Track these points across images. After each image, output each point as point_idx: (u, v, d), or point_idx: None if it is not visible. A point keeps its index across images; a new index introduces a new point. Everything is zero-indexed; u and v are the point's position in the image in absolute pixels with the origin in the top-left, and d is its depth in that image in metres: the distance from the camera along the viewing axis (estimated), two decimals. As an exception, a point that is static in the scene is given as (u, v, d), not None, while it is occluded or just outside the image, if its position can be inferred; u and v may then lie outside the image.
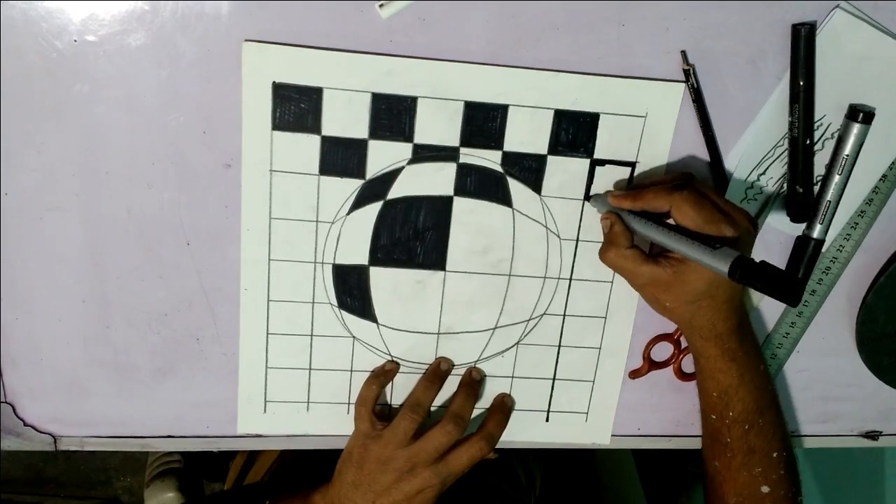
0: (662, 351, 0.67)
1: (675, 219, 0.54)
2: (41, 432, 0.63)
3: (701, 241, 0.52)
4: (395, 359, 0.63)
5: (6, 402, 0.61)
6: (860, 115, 0.57)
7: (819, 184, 0.61)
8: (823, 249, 0.63)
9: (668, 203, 0.54)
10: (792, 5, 0.55)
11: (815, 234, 0.61)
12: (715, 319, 0.57)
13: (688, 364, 0.67)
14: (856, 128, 0.58)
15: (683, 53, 0.55)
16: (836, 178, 0.59)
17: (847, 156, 0.58)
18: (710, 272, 0.53)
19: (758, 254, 0.58)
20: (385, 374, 0.63)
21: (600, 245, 0.60)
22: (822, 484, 1.10)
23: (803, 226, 0.62)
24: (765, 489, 0.61)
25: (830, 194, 0.60)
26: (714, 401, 0.61)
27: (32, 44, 0.50)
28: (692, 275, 0.55)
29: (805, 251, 0.62)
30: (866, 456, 1.05)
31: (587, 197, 0.59)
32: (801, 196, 0.60)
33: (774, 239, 0.63)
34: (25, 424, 0.62)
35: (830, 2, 0.55)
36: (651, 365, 0.67)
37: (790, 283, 0.50)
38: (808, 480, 1.11)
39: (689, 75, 0.56)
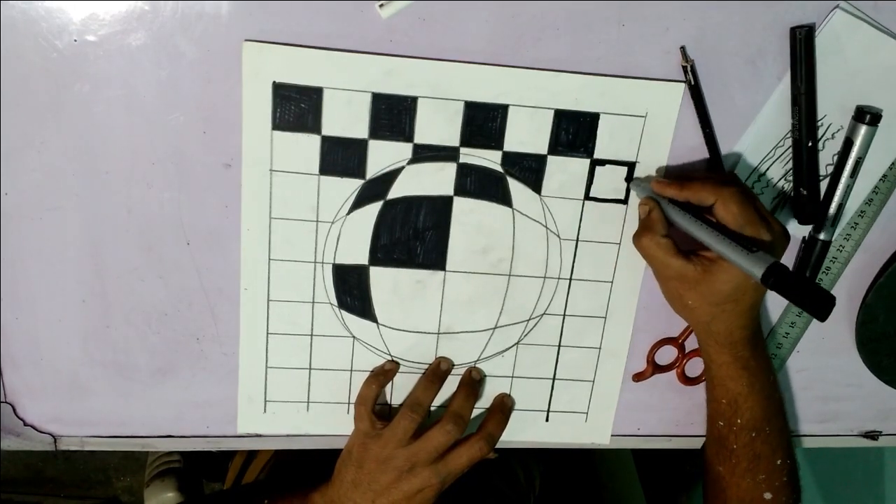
0: (666, 354, 0.67)
1: (719, 213, 0.53)
2: (41, 432, 0.63)
3: (739, 241, 0.52)
4: (395, 358, 0.63)
5: (6, 402, 0.61)
6: (867, 116, 0.57)
7: (823, 183, 0.61)
8: (823, 249, 0.63)
9: (714, 196, 0.53)
10: (792, 6, 0.55)
11: (823, 235, 0.62)
12: (733, 326, 0.57)
13: (691, 369, 0.67)
14: (863, 129, 0.58)
15: (682, 49, 0.55)
16: (848, 181, 0.59)
17: (859, 159, 0.58)
18: (739, 275, 0.53)
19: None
20: (385, 373, 0.63)
21: (606, 245, 0.60)
22: (822, 484, 1.10)
23: (809, 227, 0.62)
24: (767, 496, 0.62)
25: (841, 197, 0.60)
26: (723, 408, 0.61)
27: (32, 44, 0.50)
28: (722, 275, 0.54)
29: (813, 252, 0.62)
30: (866, 456, 1.05)
31: (588, 196, 0.59)
32: (807, 198, 0.60)
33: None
34: (25, 424, 0.62)
35: (830, 2, 0.55)
36: (655, 368, 0.67)
37: (822, 297, 0.49)
38: (808, 480, 1.11)
39: (688, 72, 0.56)
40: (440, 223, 0.59)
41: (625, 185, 0.59)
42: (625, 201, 0.60)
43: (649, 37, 0.55)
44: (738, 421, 0.60)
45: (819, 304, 0.49)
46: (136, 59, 0.51)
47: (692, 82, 0.56)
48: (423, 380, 0.63)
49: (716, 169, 0.59)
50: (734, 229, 0.53)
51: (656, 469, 1.12)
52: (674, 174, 0.59)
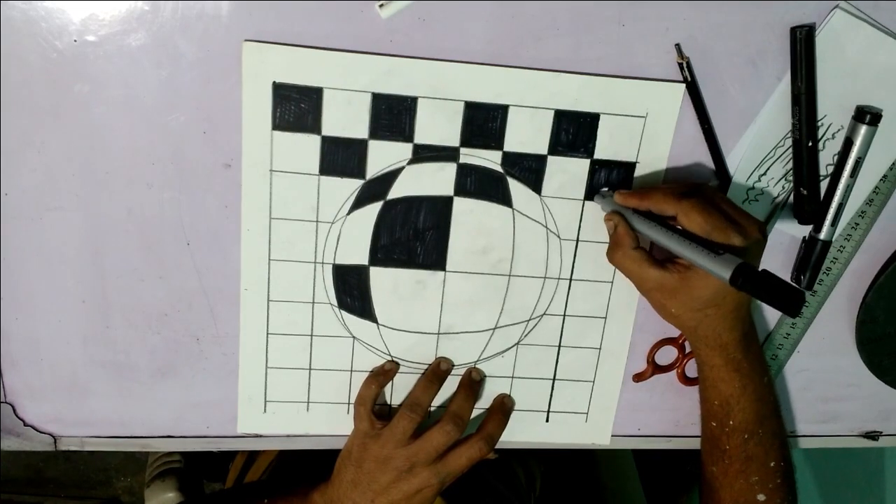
0: (666, 355, 0.67)
1: (683, 224, 0.54)
2: (41, 432, 0.63)
3: (705, 246, 0.52)
4: (394, 359, 0.63)
5: (6, 402, 0.61)
6: (867, 116, 0.57)
7: (824, 183, 0.61)
8: (824, 250, 0.63)
9: (675, 208, 0.54)
10: (791, 6, 0.55)
11: (823, 235, 0.61)
12: (720, 329, 0.57)
13: (691, 369, 0.67)
14: (863, 129, 0.58)
15: (678, 46, 0.55)
16: (848, 181, 0.59)
17: (859, 158, 0.58)
18: (717, 280, 0.53)
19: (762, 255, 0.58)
20: (384, 373, 0.63)
21: (606, 245, 0.60)
22: (822, 484, 1.10)
23: (809, 227, 0.62)
24: (761, 497, 0.62)
25: (841, 196, 0.60)
26: (715, 409, 0.61)
27: (32, 44, 0.50)
28: (699, 282, 0.54)
29: (813, 252, 0.62)
30: (866, 456, 1.04)
31: (588, 196, 0.59)
32: (807, 198, 0.60)
33: (777, 239, 0.63)
34: (25, 424, 0.62)
35: (830, 2, 0.55)
36: (655, 369, 0.67)
37: (791, 294, 0.49)
38: (808, 480, 1.11)
39: (684, 68, 0.55)
40: (440, 223, 0.59)
41: (623, 185, 0.59)
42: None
43: (649, 37, 0.55)
44: (731, 422, 0.60)
45: (789, 301, 0.49)
46: (136, 59, 0.51)
47: (689, 79, 0.56)
48: (423, 380, 0.63)
49: (719, 167, 0.59)
50: (701, 237, 0.53)
51: (656, 469, 1.12)
52: (672, 178, 0.59)
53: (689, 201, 0.53)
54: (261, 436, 0.65)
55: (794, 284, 0.48)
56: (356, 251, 0.59)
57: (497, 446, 0.63)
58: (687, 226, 0.53)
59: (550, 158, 0.58)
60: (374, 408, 0.62)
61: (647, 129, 0.58)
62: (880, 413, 0.73)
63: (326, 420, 0.65)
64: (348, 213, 0.58)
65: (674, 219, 0.55)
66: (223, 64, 0.52)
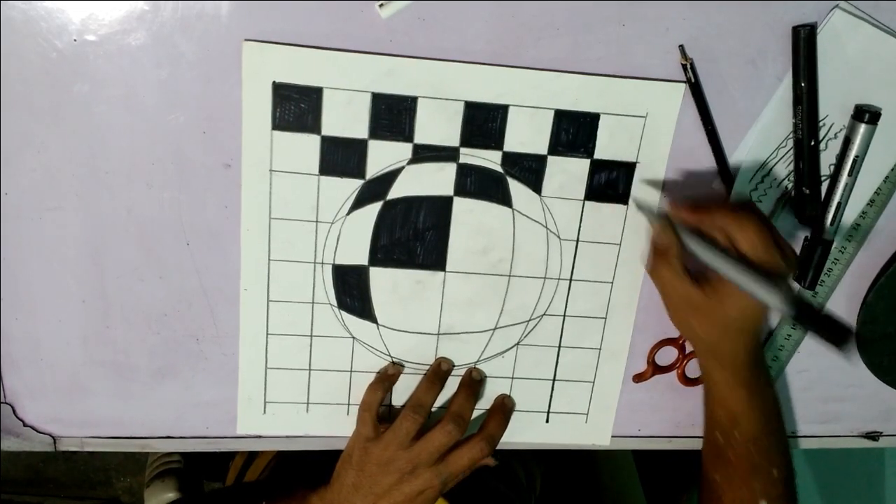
0: (667, 355, 0.67)
1: (736, 239, 0.53)
2: (41, 432, 0.62)
3: (760, 273, 0.51)
4: (394, 359, 0.63)
5: (6, 403, 0.61)
6: (866, 115, 0.57)
7: (825, 184, 0.61)
8: (825, 250, 0.63)
9: (733, 221, 0.53)
10: (791, 5, 0.55)
11: (825, 235, 0.61)
12: (738, 348, 0.57)
13: (692, 369, 0.67)
14: (862, 128, 0.58)
15: (681, 48, 0.55)
16: (847, 180, 0.59)
17: (857, 157, 0.58)
18: (745, 301, 0.53)
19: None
20: (389, 378, 0.62)
21: (606, 246, 0.60)
22: (822, 484, 1.10)
23: (811, 227, 0.62)
24: None
25: (841, 195, 0.60)
26: (721, 421, 0.61)
27: (32, 44, 0.50)
28: (729, 300, 0.54)
29: (815, 252, 0.62)
30: (866, 456, 1.04)
31: (588, 196, 0.59)
32: (809, 198, 0.60)
33: (777, 239, 0.63)
34: (25, 425, 0.62)
35: (830, 1, 0.55)
36: (655, 369, 0.67)
37: (845, 333, 0.49)
38: (808, 480, 1.11)
39: (687, 69, 0.55)
40: (440, 223, 0.59)
41: (623, 185, 0.59)
42: (625, 202, 0.60)
43: (649, 37, 0.55)
44: (736, 434, 0.60)
45: (842, 339, 0.50)
46: (136, 59, 0.51)
47: (692, 80, 0.56)
48: (424, 381, 0.63)
49: (723, 169, 0.59)
50: (752, 257, 0.52)
51: (656, 469, 1.12)
52: (673, 178, 0.59)
53: (747, 214, 0.53)
54: (260, 436, 0.65)
55: (846, 322, 0.49)
56: (356, 251, 0.59)
57: (497, 447, 0.63)
58: (740, 240, 0.52)
59: (550, 158, 0.58)
60: (378, 413, 0.62)
61: (648, 129, 0.58)
62: (880, 413, 0.73)
63: (326, 421, 0.65)
64: (348, 213, 0.58)
65: (710, 233, 0.54)
66: (223, 64, 0.52)
